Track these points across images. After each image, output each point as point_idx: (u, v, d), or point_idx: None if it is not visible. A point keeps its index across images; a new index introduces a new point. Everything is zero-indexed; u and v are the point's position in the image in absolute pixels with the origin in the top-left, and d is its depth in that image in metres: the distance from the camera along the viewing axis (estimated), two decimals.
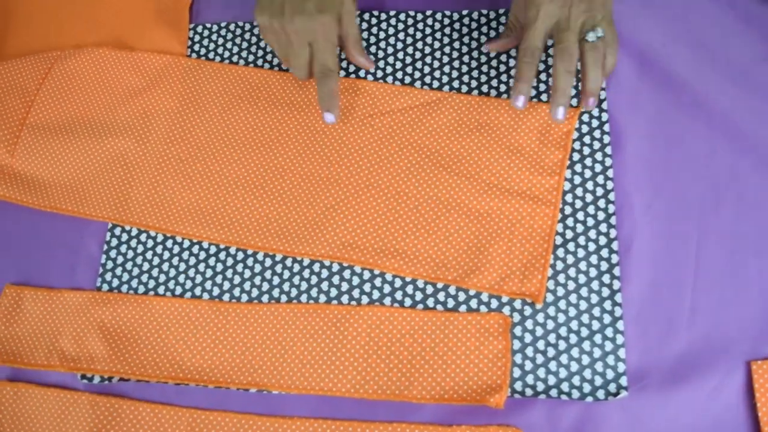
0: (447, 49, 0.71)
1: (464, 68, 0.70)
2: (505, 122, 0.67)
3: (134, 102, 0.74)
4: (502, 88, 0.68)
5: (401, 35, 0.72)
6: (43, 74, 0.76)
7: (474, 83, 0.69)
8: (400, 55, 0.72)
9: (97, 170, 0.71)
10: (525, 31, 0.61)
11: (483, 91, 0.69)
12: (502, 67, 0.69)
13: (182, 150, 0.71)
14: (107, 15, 0.80)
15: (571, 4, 0.58)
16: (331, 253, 0.64)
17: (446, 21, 0.72)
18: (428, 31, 0.72)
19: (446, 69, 0.70)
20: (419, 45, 0.72)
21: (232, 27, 0.76)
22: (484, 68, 0.70)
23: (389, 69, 0.71)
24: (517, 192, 0.64)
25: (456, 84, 0.69)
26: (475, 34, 0.71)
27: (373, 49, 0.72)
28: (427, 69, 0.71)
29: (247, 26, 0.76)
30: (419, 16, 0.73)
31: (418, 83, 0.70)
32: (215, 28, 0.77)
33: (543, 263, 0.61)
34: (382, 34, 0.73)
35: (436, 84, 0.70)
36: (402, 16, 0.73)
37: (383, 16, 0.73)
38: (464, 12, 0.72)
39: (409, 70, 0.71)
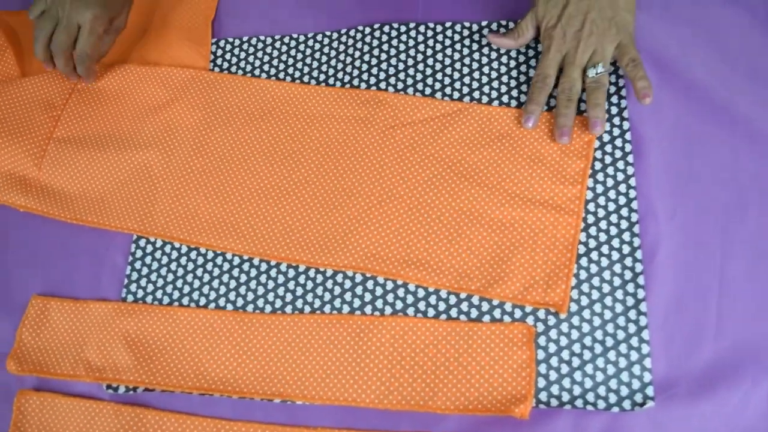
0: (467, 60, 0.71)
1: (484, 79, 0.70)
2: (526, 132, 0.67)
3: (158, 115, 0.75)
4: (522, 98, 0.69)
5: (421, 47, 0.73)
6: (69, 89, 0.78)
7: (494, 93, 0.69)
8: (421, 66, 0.72)
9: (122, 183, 0.72)
10: (541, 58, 0.67)
11: (503, 102, 0.69)
12: (522, 78, 0.70)
13: (206, 162, 0.72)
14: (131, 31, 0.81)
15: (579, 38, 0.64)
16: (354, 263, 0.65)
17: (465, 32, 0.73)
18: (447, 42, 0.73)
19: (466, 80, 0.71)
20: (439, 56, 0.72)
21: (253, 41, 0.77)
22: (504, 78, 0.70)
23: (410, 81, 0.72)
24: (540, 201, 0.64)
25: (476, 95, 0.70)
26: (494, 45, 0.71)
27: (393, 61, 0.73)
28: (447, 80, 0.71)
29: (269, 40, 0.77)
30: (439, 28, 0.73)
31: (438, 94, 0.71)
32: (237, 42, 0.78)
33: (567, 273, 0.61)
34: (402, 46, 0.73)
35: (456, 95, 0.70)
36: (422, 28, 0.74)
37: (403, 28, 0.74)
38: (483, 23, 0.73)
39: (429, 81, 0.71)
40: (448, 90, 0.71)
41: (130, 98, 0.77)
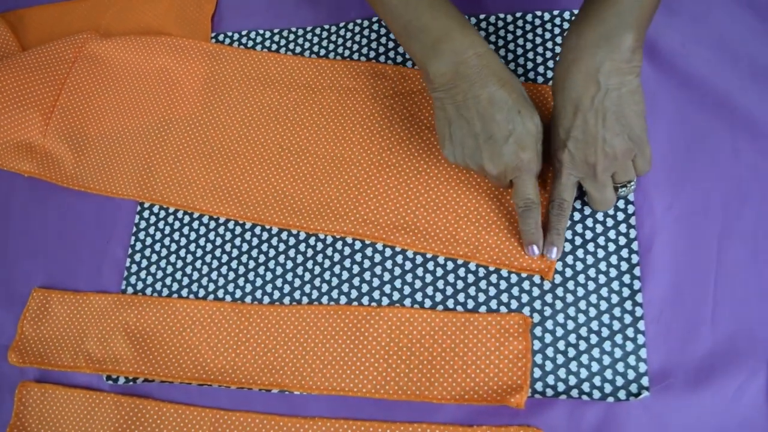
0: None
1: None
2: None
3: (159, 83, 0.77)
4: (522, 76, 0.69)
5: None
6: (72, 58, 0.79)
7: None
8: None
9: (123, 150, 0.74)
10: (553, 180, 0.60)
11: None
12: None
13: (205, 130, 0.73)
14: (129, 24, 0.82)
15: (595, 161, 0.55)
16: (346, 229, 0.65)
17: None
18: None
19: None
20: None
21: (252, 35, 0.78)
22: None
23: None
24: None
25: None
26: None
27: (392, 53, 0.73)
28: None
29: (268, 33, 0.77)
30: None
31: None
32: (236, 36, 0.78)
33: None
34: None
35: None
36: None
37: None
38: (481, 16, 0.73)
39: None
40: None
41: (131, 66, 0.78)
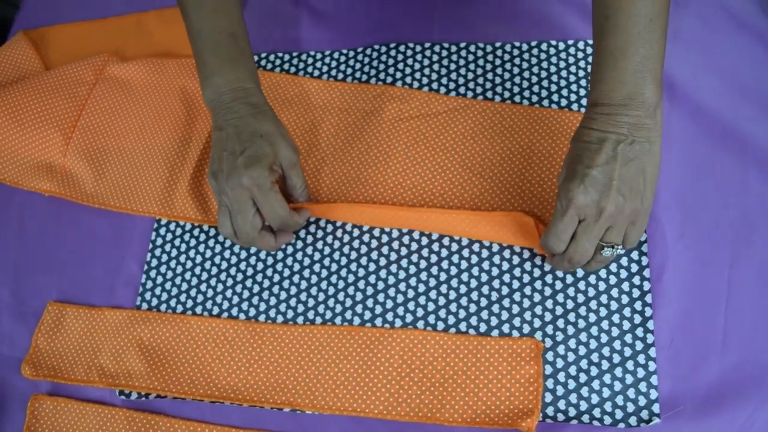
0: (480, 80, 0.73)
1: (497, 98, 0.72)
2: (530, 127, 0.69)
3: (177, 103, 0.78)
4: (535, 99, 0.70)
5: (436, 66, 0.75)
6: (93, 80, 0.81)
7: (506, 94, 0.72)
8: (435, 85, 0.74)
9: (143, 168, 0.75)
10: (553, 218, 0.56)
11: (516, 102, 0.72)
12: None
13: None
14: (149, 46, 0.84)
15: (605, 206, 0.53)
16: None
17: (480, 53, 0.74)
18: (462, 62, 0.74)
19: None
20: (453, 76, 0.74)
21: (271, 57, 0.80)
22: (523, 102, 0.71)
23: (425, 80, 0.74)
24: (540, 195, 0.66)
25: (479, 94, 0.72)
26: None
27: (408, 79, 0.74)
28: (453, 85, 0.74)
29: (286, 57, 0.79)
30: (454, 48, 0.75)
31: (443, 90, 0.74)
32: (255, 58, 0.80)
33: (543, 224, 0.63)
34: (417, 65, 0.75)
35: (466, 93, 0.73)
36: (437, 48, 0.75)
37: (418, 47, 0.76)
38: (497, 44, 0.74)
39: (435, 85, 0.73)
40: (452, 87, 0.74)
41: (150, 87, 0.80)
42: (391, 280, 0.66)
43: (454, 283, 0.65)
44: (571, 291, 0.62)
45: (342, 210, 0.67)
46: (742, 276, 0.61)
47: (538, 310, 0.62)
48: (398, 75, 0.75)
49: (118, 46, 0.84)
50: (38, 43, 0.87)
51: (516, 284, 0.63)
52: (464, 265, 0.65)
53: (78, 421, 0.66)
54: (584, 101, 0.69)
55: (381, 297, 0.65)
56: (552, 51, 0.73)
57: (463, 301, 0.64)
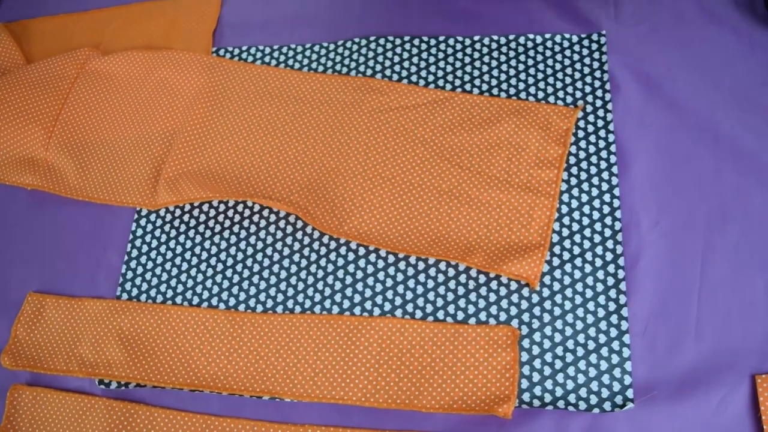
0: (459, 73, 0.74)
1: (475, 91, 0.73)
2: (507, 119, 0.70)
3: (159, 95, 0.79)
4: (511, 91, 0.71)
5: (415, 59, 0.75)
6: (74, 74, 0.81)
7: (484, 86, 0.73)
8: (414, 78, 0.74)
9: (126, 160, 0.76)
10: None
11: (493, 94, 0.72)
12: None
13: (204, 140, 0.75)
14: (132, 38, 0.84)
15: None
16: (343, 233, 0.67)
17: (458, 46, 0.75)
18: (441, 55, 0.75)
19: (458, 92, 0.73)
20: (432, 69, 0.75)
21: (252, 50, 0.80)
22: (494, 91, 0.72)
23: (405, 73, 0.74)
24: (518, 184, 0.66)
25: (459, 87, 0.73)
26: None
27: (388, 72, 0.75)
28: (432, 77, 0.74)
29: (267, 50, 0.79)
30: (433, 42, 0.76)
31: (422, 82, 0.74)
32: (236, 51, 0.80)
33: (541, 250, 0.63)
34: (396, 58, 0.76)
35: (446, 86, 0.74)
36: (416, 41, 0.76)
37: (398, 41, 0.76)
38: (476, 38, 0.75)
39: (414, 78, 0.74)
40: (435, 81, 0.74)
41: (132, 79, 0.80)
42: (370, 269, 0.66)
43: (432, 271, 0.65)
44: (546, 279, 0.63)
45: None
46: (715, 264, 0.62)
47: (515, 297, 0.63)
48: (378, 68, 0.75)
49: (99, 39, 0.84)
50: (20, 35, 0.87)
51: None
52: None
53: (57, 410, 0.66)
54: (560, 94, 0.70)
55: (360, 286, 0.66)
56: (530, 44, 0.74)
57: (441, 289, 0.64)
